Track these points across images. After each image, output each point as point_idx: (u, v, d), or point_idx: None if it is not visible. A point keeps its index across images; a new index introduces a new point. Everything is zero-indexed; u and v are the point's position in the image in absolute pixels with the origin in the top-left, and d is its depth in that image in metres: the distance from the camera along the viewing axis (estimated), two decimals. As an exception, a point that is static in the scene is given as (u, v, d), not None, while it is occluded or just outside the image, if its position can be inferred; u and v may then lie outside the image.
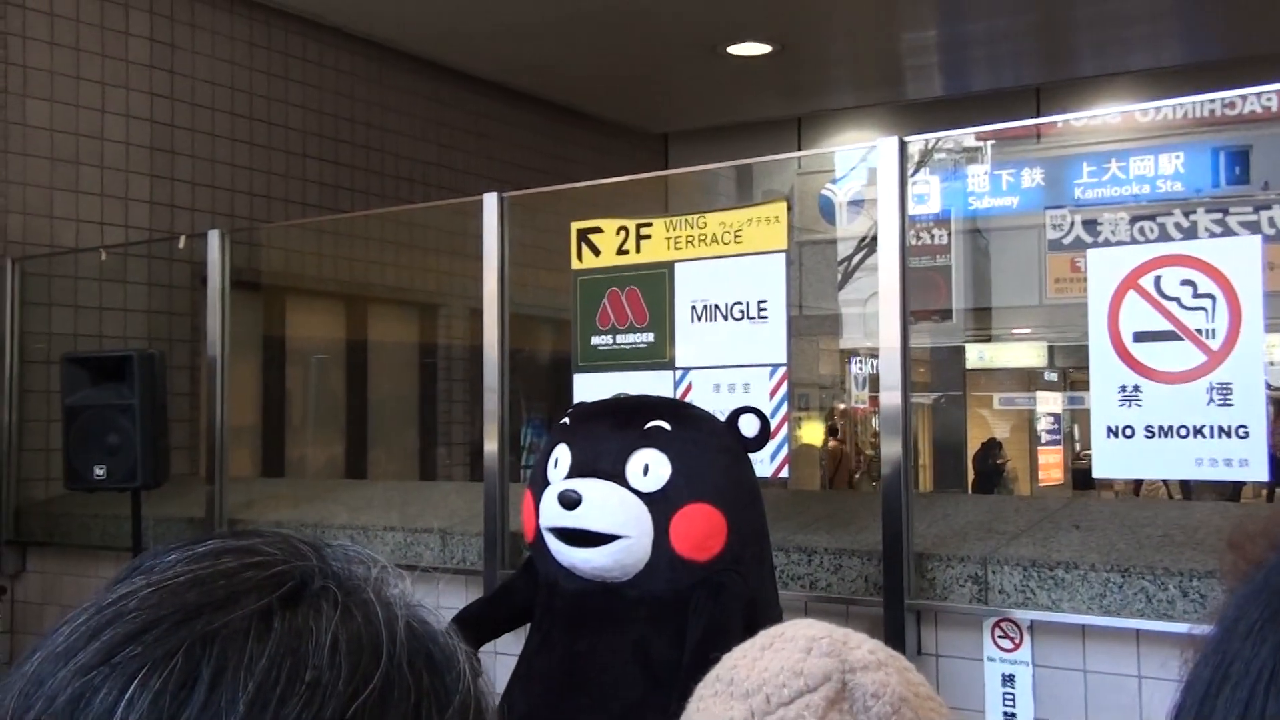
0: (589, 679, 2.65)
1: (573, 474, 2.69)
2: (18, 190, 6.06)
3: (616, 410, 2.86)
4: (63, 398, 4.97)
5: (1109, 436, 3.14)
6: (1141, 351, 3.10)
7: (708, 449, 2.74)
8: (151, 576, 0.62)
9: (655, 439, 2.69)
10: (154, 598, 0.60)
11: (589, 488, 2.65)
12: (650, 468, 2.65)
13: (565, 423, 2.83)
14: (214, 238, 5.26)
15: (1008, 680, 3.33)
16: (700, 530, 2.65)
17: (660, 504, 2.63)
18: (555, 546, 2.70)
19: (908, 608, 3.45)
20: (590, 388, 3.96)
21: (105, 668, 0.58)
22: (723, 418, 2.89)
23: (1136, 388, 3.10)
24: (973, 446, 13.28)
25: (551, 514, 2.67)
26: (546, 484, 2.72)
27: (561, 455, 2.73)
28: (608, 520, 2.63)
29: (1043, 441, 15.10)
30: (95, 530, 5.56)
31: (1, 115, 6.00)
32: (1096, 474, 3.29)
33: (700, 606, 2.63)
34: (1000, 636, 3.35)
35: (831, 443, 12.70)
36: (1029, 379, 14.69)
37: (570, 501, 2.63)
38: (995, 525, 3.64)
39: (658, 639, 2.63)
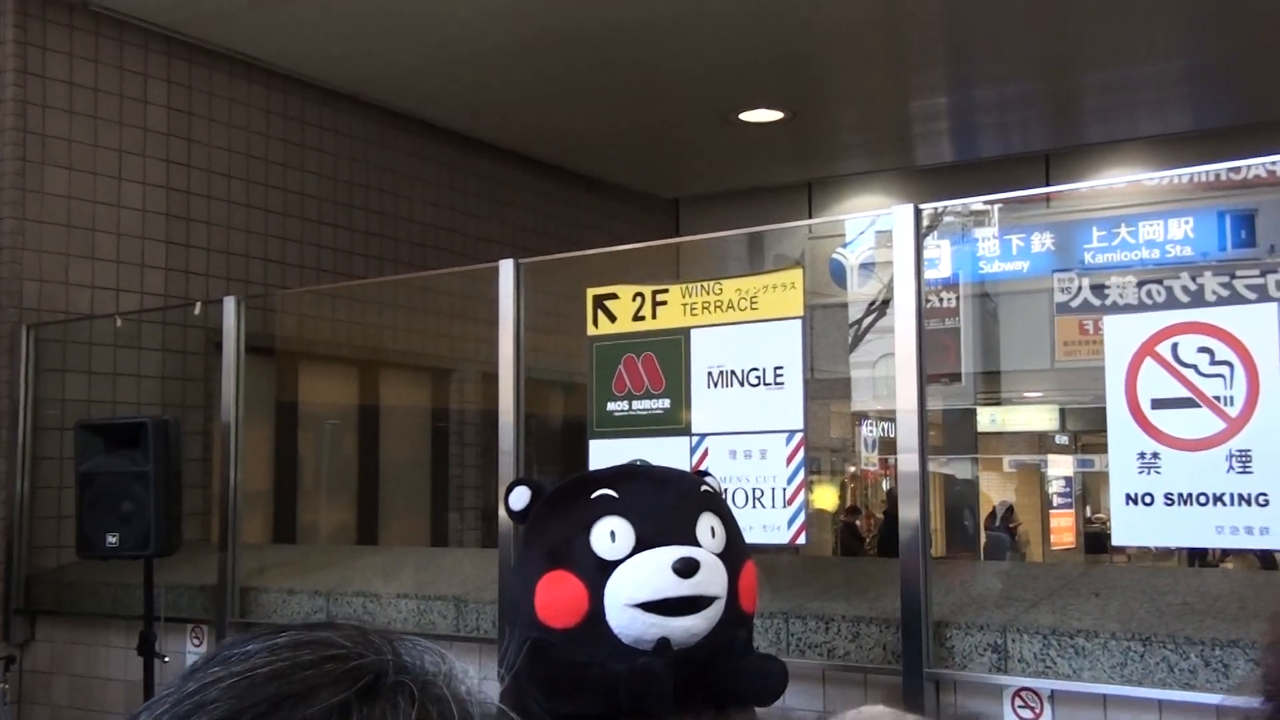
0: None
1: (644, 545, 2.58)
2: (33, 257, 6.10)
3: (662, 478, 2.81)
4: (76, 465, 4.97)
5: (1128, 504, 3.12)
6: (1160, 418, 3.09)
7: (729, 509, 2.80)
8: (232, 667, 0.63)
9: (711, 503, 2.70)
10: (235, 689, 0.61)
11: (695, 554, 2.58)
12: (715, 530, 2.65)
13: (608, 495, 2.67)
14: (229, 304, 5.29)
15: (1029, 751, 3.29)
16: (753, 584, 2.70)
17: (727, 564, 2.63)
18: (648, 620, 2.55)
19: (926, 676, 3.41)
20: (606, 454, 3.95)
21: None
22: (719, 482, 2.95)
23: (1155, 455, 3.09)
24: (985, 509, 13.23)
25: (660, 585, 2.54)
26: (603, 562, 2.56)
27: (619, 528, 2.59)
28: (718, 583, 2.61)
29: (1054, 505, 15.02)
30: (106, 598, 5.54)
31: (20, 183, 6.06)
32: (1116, 541, 3.27)
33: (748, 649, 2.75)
34: (1020, 706, 3.32)
35: (858, 521, 12.70)
36: (1040, 442, 14.65)
37: (691, 569, 2.55)
38: (1014, 592, 3.62)
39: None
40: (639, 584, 2.53)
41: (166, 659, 4.99)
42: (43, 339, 6.05)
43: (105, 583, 5.52)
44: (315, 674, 0.61)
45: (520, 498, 2.74)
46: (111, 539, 4.81)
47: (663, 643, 2.58)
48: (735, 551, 2.67)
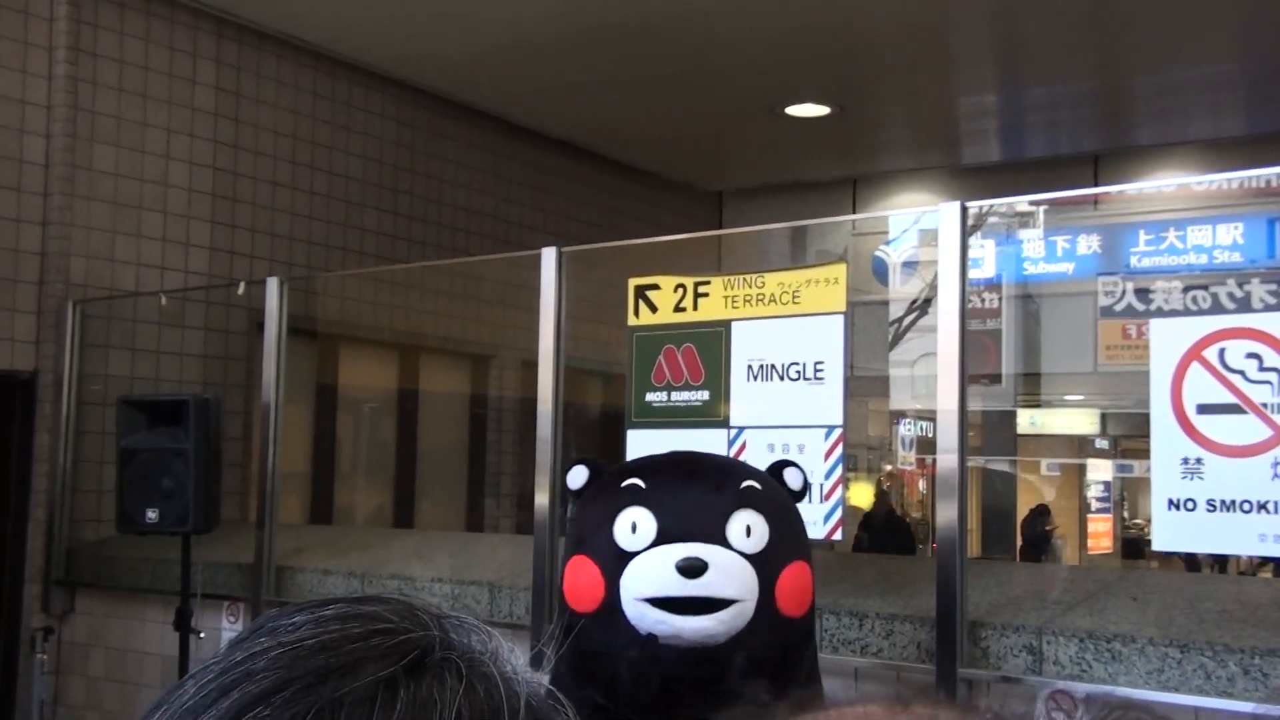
0: None
1: (664, 539, 2.53)
2: (81, 233, 6.16)
3: (699, 471, 2.73)
4: (118, 440, 5.02)
5: (1170, 509, 3.08)
6: (1205, 424, 3.05)
7: (789, 506, 2.72)
8: (279, 638, 0.62)
9: (752, 500, 2.61)
10: (282, 660, 0.60)
11: (709, 553, 2.51)
12: (752, 529, 2.56)
13: (636, 484, 2.62)
14: (272, 285, 5.32)
15: (1062, 755, 3.26)
16: (801, 587, 2.61)
17: (763, 565, 2.54)
18: (656, 616, 2.51)
19: (960, 676, 3.39)
20: (644, 444, 3.95)
21: None
22: (807, 474, 2.92)
23: (1199, 460, 3.05)
24: (1022, 512, 13.13)
25: (664, 583, 2.49)
26: (622, 552, 2.53)
27: (641, 519, 2.54)
28: (733, 586, 2.52)
29: (1093, 509, 14.89)
30: (144, 573, 5.60)
31: (69, 159, 6.12)
32: (1157, 546, 3.24)
33: (804, 655, 2.72)
34: (1054, 709, 3.29)
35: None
36: (1080, 446, 14.53)
37: (696, 569, 2.48)
38: (1050, 595, 3.59)
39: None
40: (645, 579, 2.49)
41: (202, 635, 5.04)
42: (88, 315, 6.12)
43: (144, 558, 5.58)
44: (363, 647, 0.61)
45: (578, 476, 2.74)
46: (151, 514, 4.85)
47: (649, 638, 2.53)
48: (776, 552, 2.57)
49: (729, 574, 2.50)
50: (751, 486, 2.64)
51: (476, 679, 0.61)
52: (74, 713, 5.86)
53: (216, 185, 6.82)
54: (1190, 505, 3.06)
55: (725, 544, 2.53)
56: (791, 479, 2.78)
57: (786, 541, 2.61)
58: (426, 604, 0.66)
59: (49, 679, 5.67)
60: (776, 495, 2.71)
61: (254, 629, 0.65)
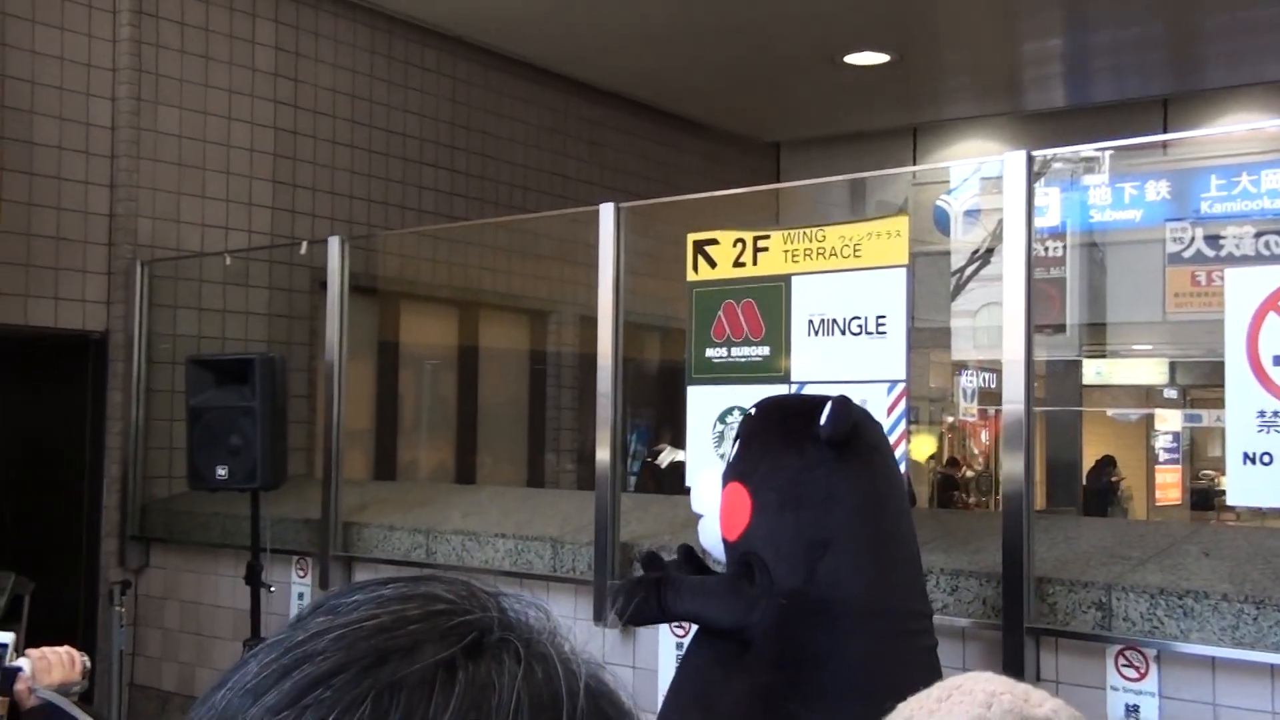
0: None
1: None
2: (148, 195, 6.23)
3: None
4: (188, 399, 5.10)
5: (1246, 463, 3.02)
6: (1282, 376, 2.98)
7: (772, 437, 2.78)
8: (337, 618, 0.62)
9: (742, 424, 2.92)
10: (342, 641, 0.60)
11: (699, 474, 2.97)
12: (729, 454, 2.89)
13: None
14: (334, 244, 5.36)
15: (1131, 710, 3.23)
16: (727, 507, 2.76)
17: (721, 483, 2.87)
18: None
19: (1027, 632, 3.36)
20: (704, 400, 3.94)
21: (294, 710, 0.58)
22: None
23: (1276, 413, 2.98)
24: (1087, 463, 12.98)
25: None
26: None
27: None
28: (697, 501, 2.89)
29: (1160, 460, 14.66)
30: (215, 528, 5.70)
31: (135, 121, 6.18)
32: (1231, 501, 3.18)
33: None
34: (1124, 665, 3.25)
35: (956, 473, 12.52)
36: (1148, 396, 14.29)
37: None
38: (1119, 550, 3.54)
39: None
40: None
41: (273, 589, 5.13)
42: (156, 275, 6.20)
43: (215, 513, 5.68)
44: (421, 628, 0.61)
45: None
46: (221, 471, 4.93)
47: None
48: (725, 473, 2.82)
49: (700, 489, 2.90)
50: (748, 414, 2.96)
51: (535, 660, 0.61)
52: (152, 663, 6.00)
53: (278, 145, 6.86)
54: (1267, 459, 3.00)
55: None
56: (825, 416, 2.69)
57: (736, 463, 2.80)
58: (484, 583, 0.66)
59: (127, 631, 5.80)
60: (771, 425, 2.82)
61: (314, 607, 0.65)
